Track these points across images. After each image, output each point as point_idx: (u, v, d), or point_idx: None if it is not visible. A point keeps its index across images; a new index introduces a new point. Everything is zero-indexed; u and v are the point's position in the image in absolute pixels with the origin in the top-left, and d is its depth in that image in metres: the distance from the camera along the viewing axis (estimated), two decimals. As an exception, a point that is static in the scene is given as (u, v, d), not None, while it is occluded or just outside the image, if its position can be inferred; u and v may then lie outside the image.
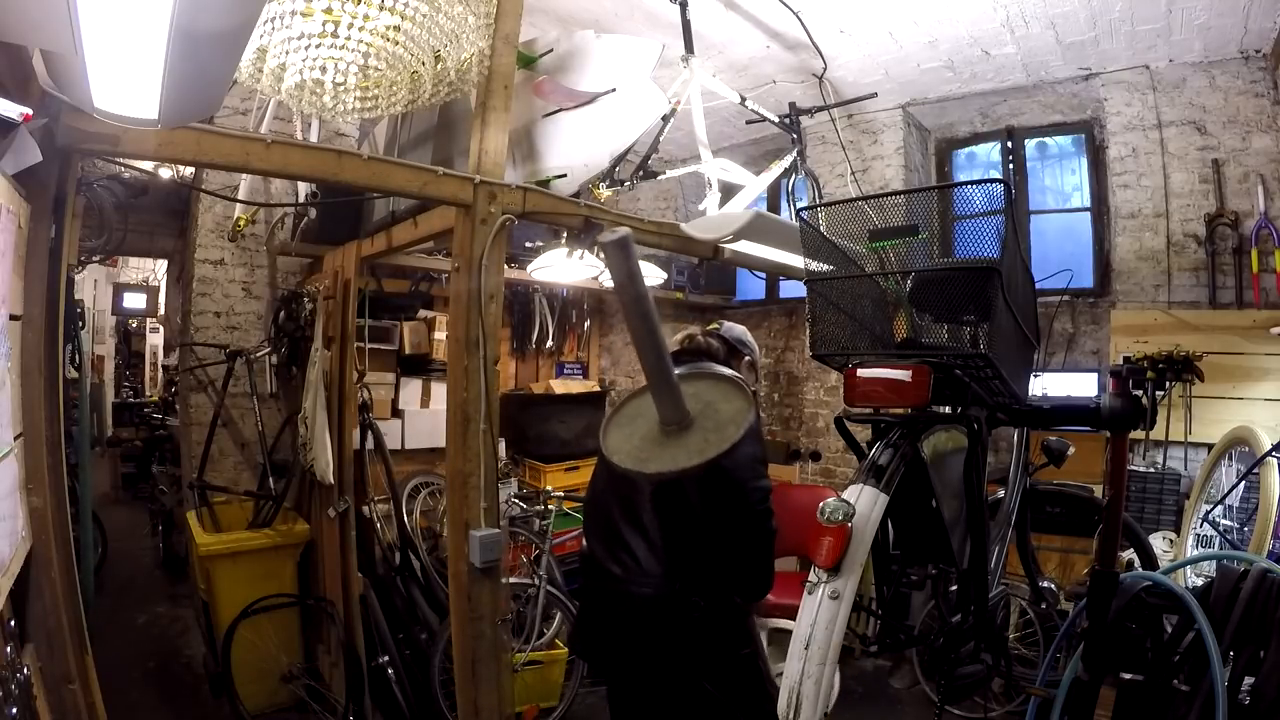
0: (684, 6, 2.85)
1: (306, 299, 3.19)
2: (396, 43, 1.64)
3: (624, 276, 1.22)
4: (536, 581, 3.05)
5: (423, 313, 4.12)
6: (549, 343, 5.03)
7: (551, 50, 2.48)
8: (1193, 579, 2.54)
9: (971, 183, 1.60)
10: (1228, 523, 2.79)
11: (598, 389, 5.18)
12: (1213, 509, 2.83)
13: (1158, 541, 2.90)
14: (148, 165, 3.47)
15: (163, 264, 7.82)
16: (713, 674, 1.74)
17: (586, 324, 5.40)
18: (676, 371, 1.33)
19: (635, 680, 1.82)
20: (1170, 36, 3.29)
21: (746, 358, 2.05)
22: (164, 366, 8.39)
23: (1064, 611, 2.49)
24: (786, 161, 3.32)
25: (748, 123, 3.80)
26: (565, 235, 2.65)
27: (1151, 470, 3.27)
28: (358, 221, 3.05)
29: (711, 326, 2.06)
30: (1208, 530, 2.83)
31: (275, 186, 3.72)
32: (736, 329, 2.08)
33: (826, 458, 4.57)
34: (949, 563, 1.85)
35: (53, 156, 1.48)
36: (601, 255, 1.33)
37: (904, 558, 1.97)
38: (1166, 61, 3.51)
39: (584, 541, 1.93)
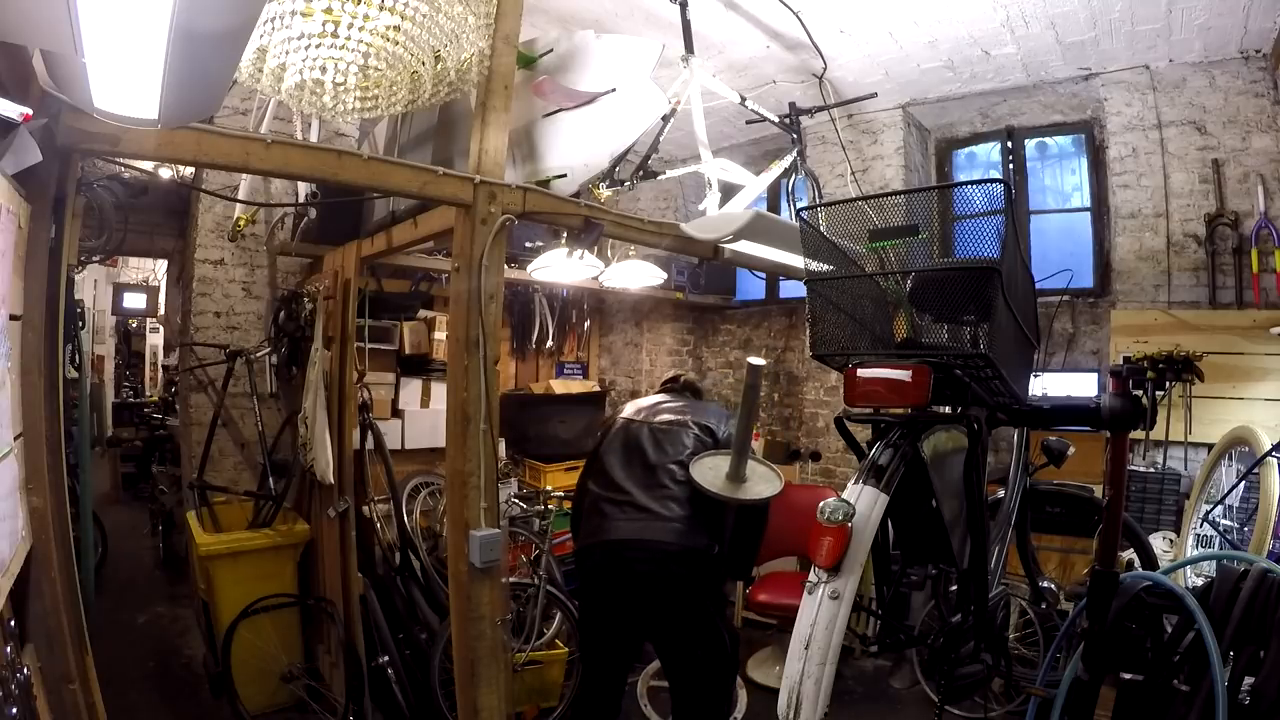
0: (684, 6, 2.85)
1: (306, 299, 3.19)
2: (396, 43, 1.64)
3: (752, 388, 2.10)
4: (536, 581, 3.04)
5: (423, 313, 4.12)
6: (549, 343, 5.04)
7: (551, 50, 2.47)
8: (1193, 579, 2.54)
9: (971, 183, 1.61)
10: (1228, 523, 2.79)
11: (598, 389, 5.19)
12: (1213, 509, 2.82)
13: (1158, 541, 2.90)
14: (148, 165, 3.47)
15: (163, 264, 7.82)
16: (714, 610, 2.28)
17: (586, 324, 5.40)
18: (683, 410, 2.50)
19: (653, 604, 2.24)
20: (1170, 36, 3.29)
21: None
22: (164, 366, 8.39)
23: (1064, 611, 2.49)
24: (786, 161, 3.32)
25: (748, 123, 3.80)
26: (565, 235, 2.65)
27: (1151, 470, 3.27)
28: (358, 221, 3.05)
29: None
30: (1208, 530, 2.83)
31: (275, 186, 3.72)
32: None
33: (826, 458, 4.57)
34: (949, 563, 1.85)
35: (53, 156, 1.47)
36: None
37: (904, 558, 1.97)
38: (1166, 61, 3.51)
39: (601, 485, 2.38)
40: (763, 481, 2.15)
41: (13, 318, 1.44)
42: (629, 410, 2.59)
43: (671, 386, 2.73)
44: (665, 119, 2.74)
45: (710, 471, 2.16)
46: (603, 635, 2.43)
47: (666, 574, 2.21)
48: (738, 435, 2.15)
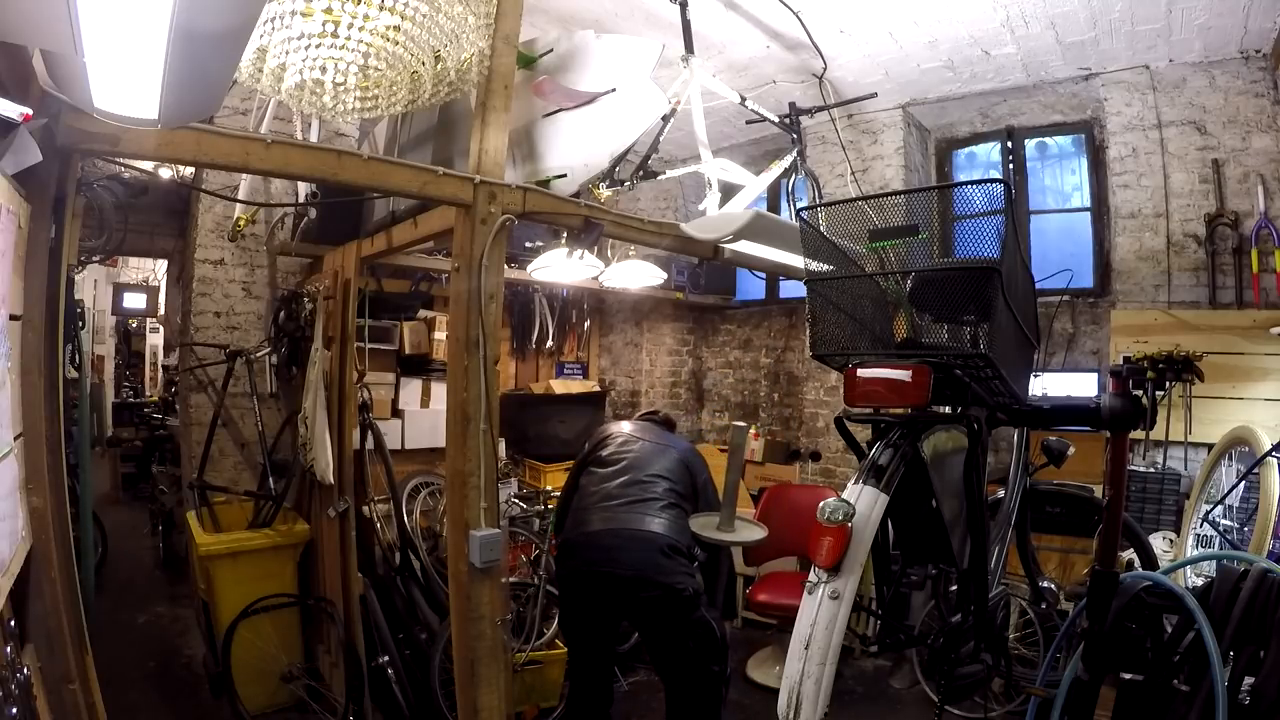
0: (684, 6, 2.85)
1: (306, 299, 3.19)
2: (396, 43, 1.64)
3: (738, 448, 2.49)
4: (536, 581, 3.05)
5: (423, 313, 4.12)
6: (549, 343, 5.04)
7: (551, 50, 2.47)
8: (1193, 579, 2.54)
9: (971, 183, 1.61)
10: (1228, 523, 2.79)
11: (598, 389, 5.19)
12: (1213, 509, 2.82)
13: (1158, 541, 2.90)
14: (148, 165, 3.47)
15: (163, 264, 7.81)
16: (700, 601, 2.38)
17: (586, 324, 5.40)
18: (666, 438, 2.79)
19: (640, 590, 2.33)
20: (1170, 36, 3.29)
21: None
22: (164, 366, 8.39)
23: (1064, 611, 2.49)
24: (786, 161, 3.32)
25: (748, 123, 3.80)
26: (565, 235, 2.65)
27: (1151, 470, 3.27)
28: (358, 221, 3.05)
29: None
30: (1208, 530, 2.82)
31: (275, 186, 3.72)
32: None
33: (826, 458, 4.57)
34: (949, 563, 1.85)
35: (53, 156, 1.47)
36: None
37: (904, 558, 1.97)
38: (1166, 61, 3.51)
39: (594, 483, 2.56)
40: (747, 529, 2.55)
41: (13, 318, 1.44)
42: (621, 426, 2.85)
43: (653, 418, 3.01)
44: (665, 119, 2.74)
45: (704, 529, 2.53)
46: (589, 624, 2.53)
47: (653, 562, 2.34)
48: (727, 489, 2.49)
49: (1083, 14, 3.17)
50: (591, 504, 2.52)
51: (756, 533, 2.61)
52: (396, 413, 3.98)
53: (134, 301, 8.23)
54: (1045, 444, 2.25)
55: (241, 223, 3.52)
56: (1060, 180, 4.31)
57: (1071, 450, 2.22)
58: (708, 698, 2.41)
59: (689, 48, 2.86)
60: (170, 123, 1.32)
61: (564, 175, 2.35)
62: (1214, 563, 2.40)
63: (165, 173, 3.76)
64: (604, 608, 2.47)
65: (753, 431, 4.96)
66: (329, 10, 1.53)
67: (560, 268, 3.18)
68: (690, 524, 2.49)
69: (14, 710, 1.23)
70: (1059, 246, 4.14)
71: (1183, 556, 2.78)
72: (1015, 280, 1.74)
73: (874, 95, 3.73)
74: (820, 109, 3.58)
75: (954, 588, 2.01)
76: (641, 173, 2.86)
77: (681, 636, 2.36)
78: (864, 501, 1.63)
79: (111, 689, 1.87)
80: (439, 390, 4.05)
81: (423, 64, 1.75)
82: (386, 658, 2.86)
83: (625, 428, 2.83)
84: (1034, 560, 2.45)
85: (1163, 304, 3.54)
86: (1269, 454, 2.48)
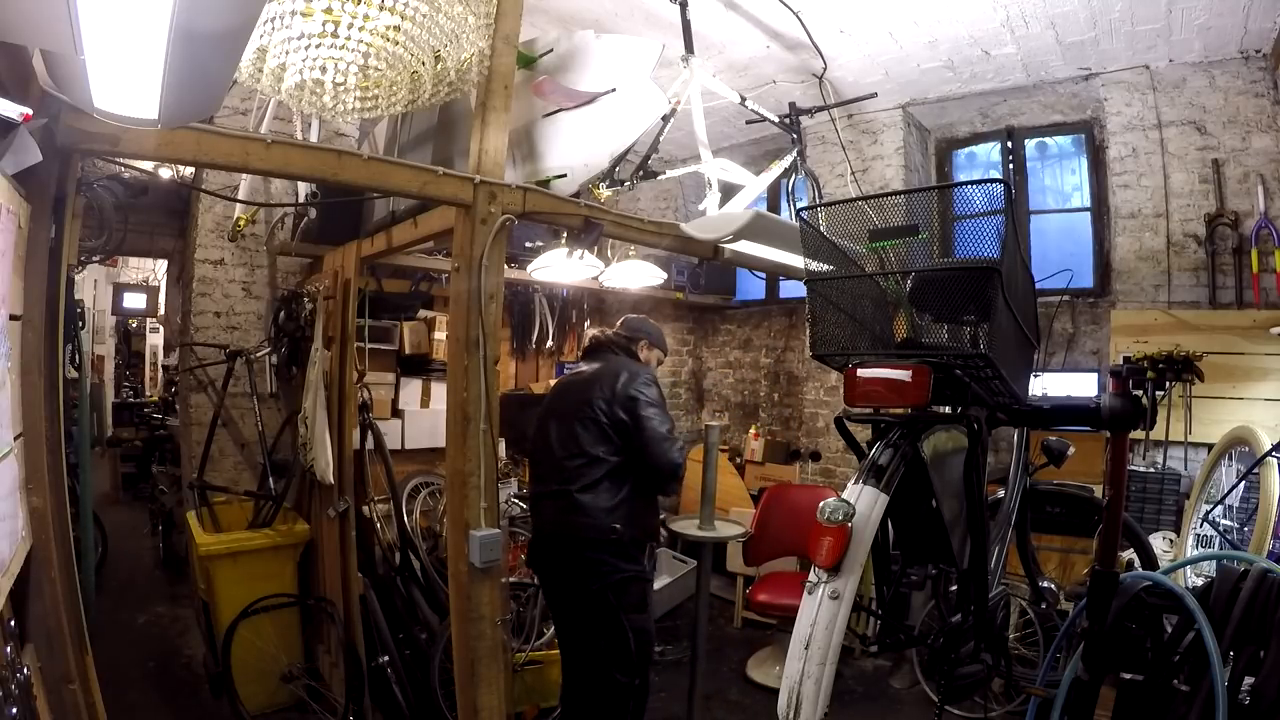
0: (684, 6, 2.85)
1: (306, 299, 3.19)
2: (396, 43, 1.63)
3: (712, 446, 2.67)
4: (536, 581, 3.04)
5: (423, 313, 4.12)
6: (549, 343, 5.03)
7: (551, 50, 2.47)
8: (1193, 579, 2.54)
9: (971, 183, 1.60)
10: (1228, 523, 2.79)
11: (598, 389, 5.17)
12: (1213, 509, 2.82)
13: (1158, 541, 2.90)
14: (148, 165, 3.47)
15: (163, 264, 7.81)
16: (621, 606, 2.33)
17: (586, 324, 5.39)
18: (589, 384, 2.48)
19: (572, 589, 2.40)
20: (1170, 36, 3.29)
21: (643, 340, 2.69)
22: (164, 366, 8.39)
23: (1064, 611, 2.49)
24: (786, 161, 3.32)
25: (748, 123, 3.80)
26: (565, 235, 2.65)
27: (1151, 470, 3.27)
28: (358, 221, 3.05)
29: (619, 323, 2.79)
30: (1208, 530, 2.82)
31: (275, 186, 3.72)
32: (635, 319, 2.78)
33: (826, 458, 4.58)
34: (949, 563, 1.85)
35: (53, 156, 1.47)
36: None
37: (904, 558, 1.97)
38: (1166, 61, 3.51)
39: (536, 478, 2.56)
40: (727, 527, 2.71)
41: (13, 318, 1.44)
42: (551, 394, 2.74)
43: (588, 350, 2.70)
44: (665, 119, 2.75)
45: (685, 529, 2.69)
46: (558, 619, 2.60)
47: (581, 560, 2.36)
48: (705, 487, 2.64)
49: (1083, 14, 3.17)
50: (533, 504, 2.59)
51: (736, 530, 2.79)
52: (396, 413, 3.98)
53: (134, 301, 8.22)
54: (1045, 444, 2.24)
55: (241, 223, 3.52)
56: (1060, 180, 4.31)
57: (1071, 450, 2.22)
58: (610, 706, 2.37)
59: (689, 48, 2.86)
60: (170, 123, 1.32)
61: (564, 175, 2.35)
62: (1214, 563, 2.40)
63: (165, 173, 3.75)
64: (558, 605, 2.55)
65: (753, 431, 4.97)
66: (329, 10, 1.53)
67: (560, 268, 3.18)
68: (671, 526, 2.64)
69: (14, 710, 1.23)
70: (1059, 246, 4.15)
71: (1183, 556, 2.78)
72: (1015, 280, 1.74)
73: (874, 95, 3.73)
74: (820, 109, 3.58)
75: (954, 588, 2.01)
76: (641, 173, 2.86)
77: (594, 635, 2.36)
78: (864, 501, 1.63)
79: (111, 689, 1.87)
80: (439, 390, 4.05)
81: (423, 64, 1.75)
82: (386, 658, 2.86)
83: (555, 389, 2.70)
84: (1034, 560, 2.45)
85: (1163, 304, 3.54)
86: (1269, 454, 2.48)
